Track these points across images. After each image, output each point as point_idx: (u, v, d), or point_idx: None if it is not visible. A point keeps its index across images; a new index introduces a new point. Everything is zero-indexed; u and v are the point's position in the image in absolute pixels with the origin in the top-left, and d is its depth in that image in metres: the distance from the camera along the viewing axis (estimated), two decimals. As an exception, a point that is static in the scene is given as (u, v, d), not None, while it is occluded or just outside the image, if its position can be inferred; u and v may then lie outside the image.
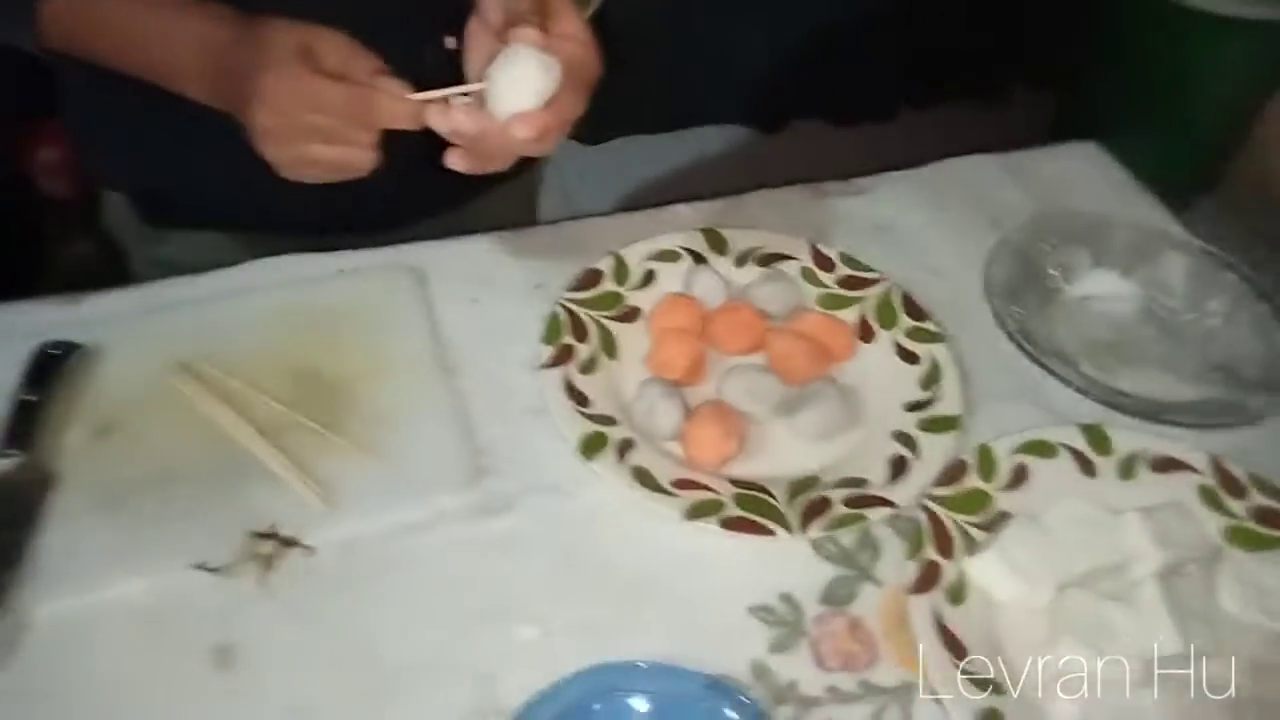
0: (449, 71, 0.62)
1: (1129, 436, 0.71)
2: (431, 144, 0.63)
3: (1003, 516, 0.66)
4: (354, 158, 0.61)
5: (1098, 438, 0.71)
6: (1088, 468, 0.70)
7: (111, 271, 0.94)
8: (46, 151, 2.08)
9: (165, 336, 0.74)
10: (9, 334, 0.73)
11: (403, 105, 0.59)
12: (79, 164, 2.04)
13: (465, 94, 0.61)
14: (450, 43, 0.70)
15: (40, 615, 0.59)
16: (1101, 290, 0.85)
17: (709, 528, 0.63)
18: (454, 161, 0.62)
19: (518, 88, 0.57)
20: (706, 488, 0.66)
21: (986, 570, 0.62)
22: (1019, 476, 0.68)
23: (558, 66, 0.58)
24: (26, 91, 2.00)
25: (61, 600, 0.59)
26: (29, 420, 0.66)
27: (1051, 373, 0.76)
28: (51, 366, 0.69)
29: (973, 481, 0.68)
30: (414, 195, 0.86)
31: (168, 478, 0.65)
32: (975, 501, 0.67)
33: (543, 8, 0.60)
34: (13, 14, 0.64)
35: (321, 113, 0.58)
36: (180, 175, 0.80)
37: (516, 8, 0.59)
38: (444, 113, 0.59)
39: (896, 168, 0.97)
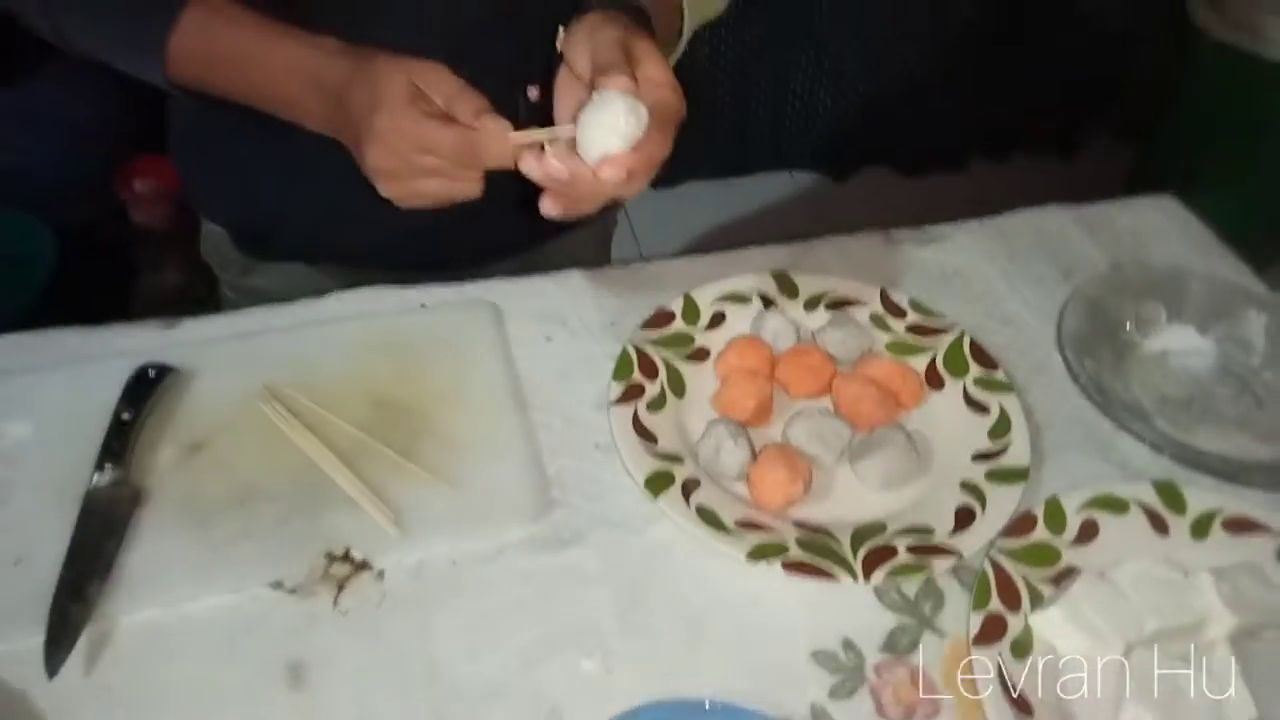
0: (536, 121, 0.64)
1: (1203, 495, 0.70)
2: (513, 187, 0.65)
3: (1070, 572, 0.65)
4: (461, 191, 0.64)
5: (1171, 495, 0.70)
6: (1160, 525, 0.68)
7: (200, 298, 0.99)
8: (141, 183, 2.19)
9: (254, 361, 0.77)
10: (110, 354, 0.77)
11: (505, 146, 0.61)
12: (172, 196, 2.14)
13: (557, 137, 0.63)
14: (534, 94, 0.73)
15: (125, 624, 0.62)
16: (1178, 345, 0.84)
17: (772, 569, 0.64)
18: (547, 208, 0.63)
19: (608, 132, 0.59)
20: (770, 529, 0.66)
21: (1052, 626, 0.61)
22: (1088, 531, 0.67)
23: (645, 111, 0.60)
24: (125, 127, 2.12)
25: (145, 611, 0.62)
26: (124, 438, 0.70)
27: (1124, 427, 0.75)
28: (147, 387, 0.73)
29: (1040, 535, 0.67)
30: (495, 236, 0.89)
31: (251, 497, 0.68)
32: (1043, 555, 0.66)
33: (629, 55, 0.62)
34: (146, 49, 0.68)
35: (431, 154, 0.61)
36: (277, 212, 0.84)
37: (604, 57, 0.62)
38: (537, 159, 0.61)
39: (965, 218, 0.97)
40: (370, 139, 0.61)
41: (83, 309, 1.99)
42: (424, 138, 0.60)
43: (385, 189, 0.64)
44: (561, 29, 0.67)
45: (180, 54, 0.68)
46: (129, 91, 0.71)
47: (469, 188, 0.63)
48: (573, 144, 0.61)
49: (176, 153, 0.90)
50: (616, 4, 0.67)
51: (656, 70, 0.62)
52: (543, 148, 0.62)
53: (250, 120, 0.70)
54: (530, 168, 0.61)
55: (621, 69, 0.60)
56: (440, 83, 0.62)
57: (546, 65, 0.68)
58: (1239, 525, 0.69)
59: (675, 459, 0.71)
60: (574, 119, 0.61)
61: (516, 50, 0.76)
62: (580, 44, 0.64)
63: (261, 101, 0.69)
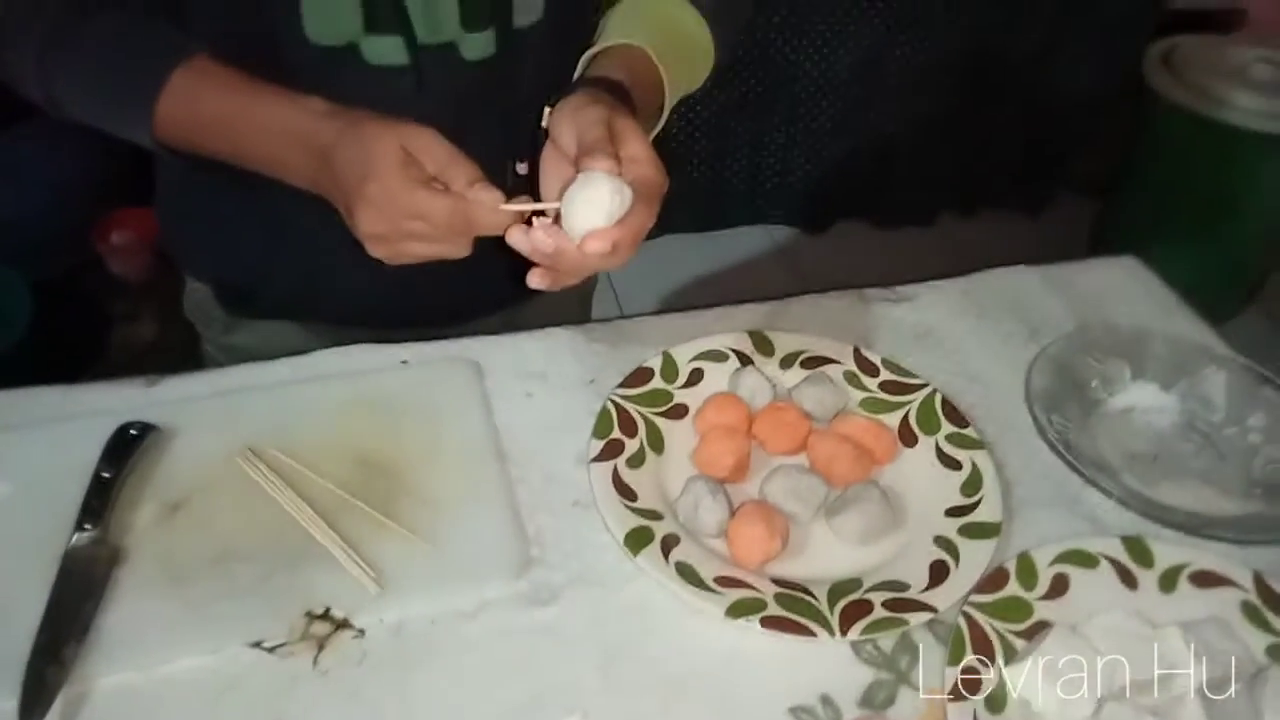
0: (522, 194, 0.66)
1: (1171, 550, 0.72)
2: (494, 247, 0.67)
3: (1043, 625, 0.66)
4: (451, 253, 0.65)
5: (1139, 550, 0.72)
6: (1129, 579, 0.70)
7: (176, 350, 0.99)
8: (119, 235, 2.19)
9: (235, 420, 0.77)
10: (90, 412, 0.77)
11: (498, 217, 0.63)
12: (149, 247, 2.15)
13: (544, 210, 0.65)
14: (521, 168, 0.74)
15: (102, 686, 0.61)
16: (1142, 403, 0.86)
17: (750, 626, 0.64)
18: (535, 281, 0.65)
19: (592, 209, 0.61)
20: (749, 586, 0.67)
21: (1026, 680, 0.62)
22: (1059, 586, 0.69)
23: (629, 190, 0.62)
24: (104, 180, 2.13)
25: (123, 673, 0.62)
26: (104, 497, 0.70)
27: (1092, 483, 0.77)
28: (128, 445, 0.73)
29: (1013, 589, 0.68)
30: (477, 294, 0.90)
31: (231, 557, 0.68)
32: (1015, 610, 0.67)
33: (613, 134, 0.64)
34: (134, 113, 0.69)
35: (423, 221, 0.62)
36: (261, 270, 0.85)
37: (589, 136, 0.64)
38: (525, 232, 0.63)
39: (936, 271, 1.00)
40: (361, 204, 0.62)
41: (59, 359, 1.99)
42: (415, 206, 0.62)
43: (374, 250, 0.65)
44: (548, 107, 0.69)
45: (167, 117, 0.69)
46: (109, 146, 0.73)
47: (458, 251, 0.65)
48: (558, 219, 0.63)
49: (161, 210, 0.92)
50: (599, 83, 0.70)
51: (639, 148, 0.64)
52: (529, 221, 0.63)
53: (234, 180, 0.71)
54: (518, 241, 0.63)
55: (605, 148, 0.62)
56: (431, 148, 0.63)
57: (533, 139, 0.70)
58: (1206, 579, 0.70)
59: (654, 516, 0.72)
60: (560, 195, 0.63)
61: (506, 122, 0.78)
62: (565, 122, 0.66)
63: (247, 161, 0.70)
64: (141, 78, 0.69)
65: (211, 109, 0.69)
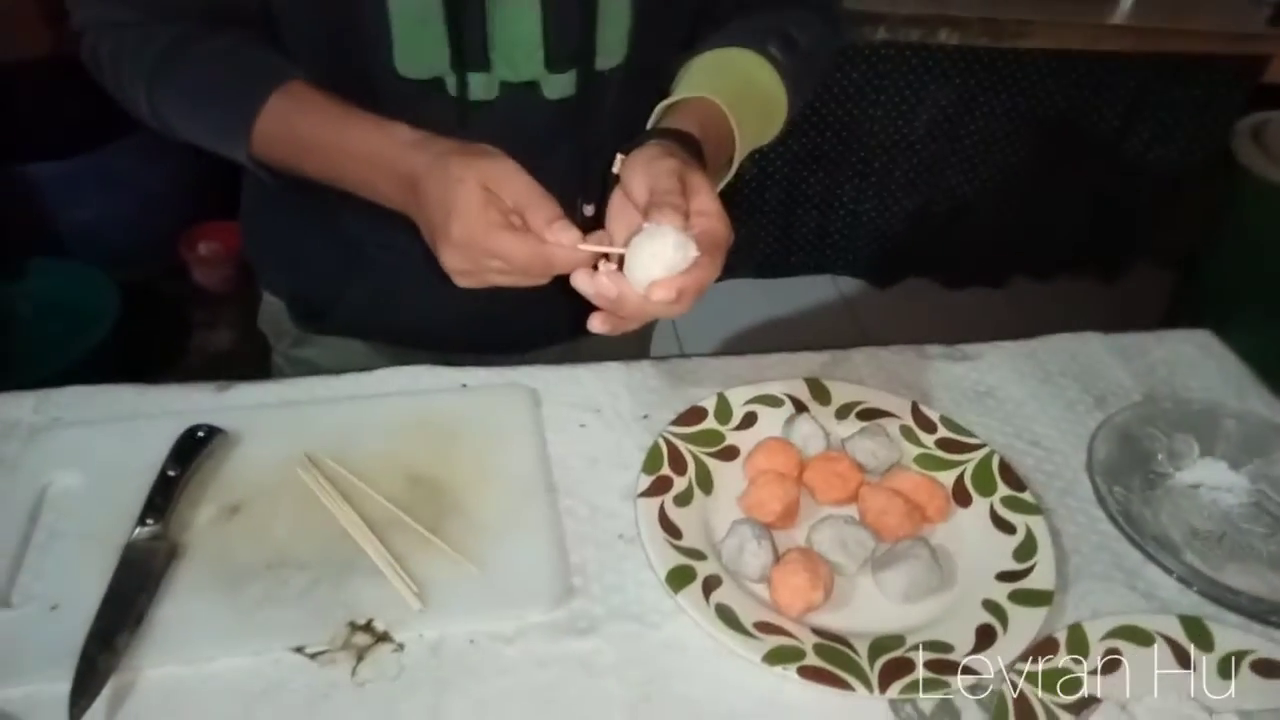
0: (587, 234, 0.67)
1: (1232, 634, 0.69)
2: (559, 280, 0.68)
3: (1091, 701, 0.64)
4: (530, 284, 0.67)
5: (1198, 631, 0.69)
6: (1185, 661, 0.67)
7: (248, 364, 1.03)
8: (205, 246, 2.28)
9: (297, 429, 0.80)
10: (163, 412, 0.80)
11: (576, 256, 0.64)
12: (231, 259, 2.23)
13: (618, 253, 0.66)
14: (589, 210, 0.76)
15: (149, 677, 0.63)
16: (1210, 480, 0.84)
17: (787, 674, 0.64)
18: (596, 325, 0.66)
19: (656, 262, 0.62)
20: (788, 634, 0.67)
21: (1071, 756, 0.61)
22: (1112, 661, 0.67)
23: (693, 246, 0.63)
24: (193, 193, 2.23)
25: (170, 665, 0.64)
26: (168, 494, 0.72)
27: (1152, 558, 0.75)
28: (195, 446, 0.76)
29: (1062, 661, 0.66)
30: (539, 325, 0.92)
31: (282, 562, 0.70)
32: (1063, 682, 0.65)
33: (684, 186, 0.65)
34: (233, 132, 0.73)
35: (503, 260, 0.64)
36: (333, 290, 0.88)
37: (661, 186, 0.65)
38: (590, 277, 0.64)
39: (1002, 333, 0.99)
40: (445, 243, 0.64)
41: (140, 360, 2.07)
42: (496, 249, 0.63)
43: (459, 281, 0.67)
44: (620, 155, 0.71)
45: (264, 136, 0.73)
46: (200, 161, 0.76)
47: (537, 282, 0.66)
48: (623, 263, 0.64)
49: (244, 224, 0.96)
50: (673, 135, 0.71)
51: (708, 202, 0.65)
52: (595, 265, 0.65)
53: (313, 200, 0.74)
54: (583, 284, 0.64)
55: (676, 202, 0.63)
56: (510, 182, 0.64)
57: (604, 181, 0.72)
58: (1269, 668, 0.68)
59: (698, 555, 0.72)
60: (625, 243, 0.64)
61: (581, 160, 0.80)
62: (638, 172, 0.67)
63: (340, 183, 0.73)
64: (241, 98, 0.73)
65: (305, 131, 0.72)
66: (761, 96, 0.81)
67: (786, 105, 0.83)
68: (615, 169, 0.70)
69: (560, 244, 0.63)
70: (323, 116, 0.72)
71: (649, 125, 0.77)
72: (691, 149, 0.71)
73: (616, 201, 0.68)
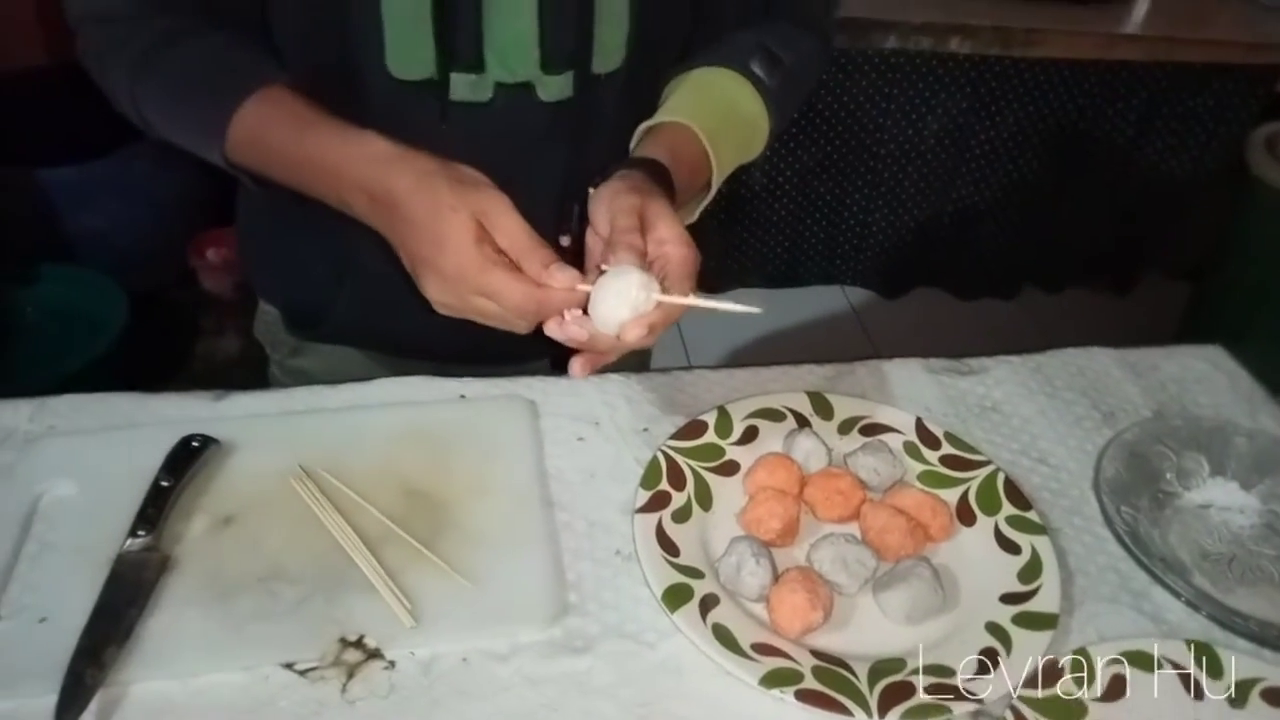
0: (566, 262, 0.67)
1: (1243, 661, 0.67)
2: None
3: (1096, 729, 0.62)
4: (513, 329, 0.66)
5: (1208, 658, 0.67)
6: (1193, 689, 0.66)
7: (253, 371, 1.02)
8: (214, 253, 2.28)
9: (293, 440, 0.79)
10: (158, 421, 0.80)
11: (571, 299, 0.64)
12: (240, 266, 2.23)
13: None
14: (564, 241, 0.76)
15: (136, 692, 0.62)
16: (1220, 501, 0.82)
17: (784, 698, 0.62)
18: (577, 370, 0.67)
19: (620, 302, 0.63)
20: (786, 656, 0.65)
21: (1074, 785, 0.59)
22: (1116, 688, 0.65)
23: (655, 283, 0.63)
24: (203, 199, 2.23)
25: (159, 680, 0.63)
26: (160, 504, 0.72)
27: (1160, 581, 0.73)
28: (189, 456, 0.75)
29: (1066, 686, 0.65)
30: (535, 337, 0.91)
31: (274, 576, 0.69)
32: (1067, 709, 0.64)
33: (644, 220, 0.66)
34: (209, 133, 0.72)
35: (493, 300, 0.63)
36: (327, 298, 0.87)
37: (618, 223, 0.65)
38: (559, 325, 0.65)
39: (1014, 345, 0.97)
40: (431, 273, 0.63)
41: (147, 366, 2.07)
42: (489, 287, 0.62)
43: (441, 310, 0.66)
44: (590, 189, 0.71)
45: (238, 142, 0.71)
46: (209, 167, 0.76)
47: (520, 329, 0.66)
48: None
49: (240, 231, 0.95)
50: (641, 165, 0.72)
51: (667, 230, 0.66)
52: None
53: (305, 208, 0.73)
54: (553, 331, 0.65)
55: (633, 241, 0.64)
56: (505, 223, 0.63)
57: (582, 212, 0.72)
58: None
59: (696, 574, 0.70)
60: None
61: (575, 164, 0.79)
62: (601, 208, 0.68)
63: (310, 194, 0.71)
64: (218, 100, 0.71)
65: (276, 139, 0.70)
66: (741, 119, 0.82)
67: (768, 126, 0.83)
68: (589, 205, 0.71)
69: (559, 287, 0.63)
70: (293, 124, 0.70)
71: (631, 148, 0.77)
72: (659, 176, 0.71)
73: (588, 236, 0.69)
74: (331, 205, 0.70)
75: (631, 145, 0.77)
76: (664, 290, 0.64)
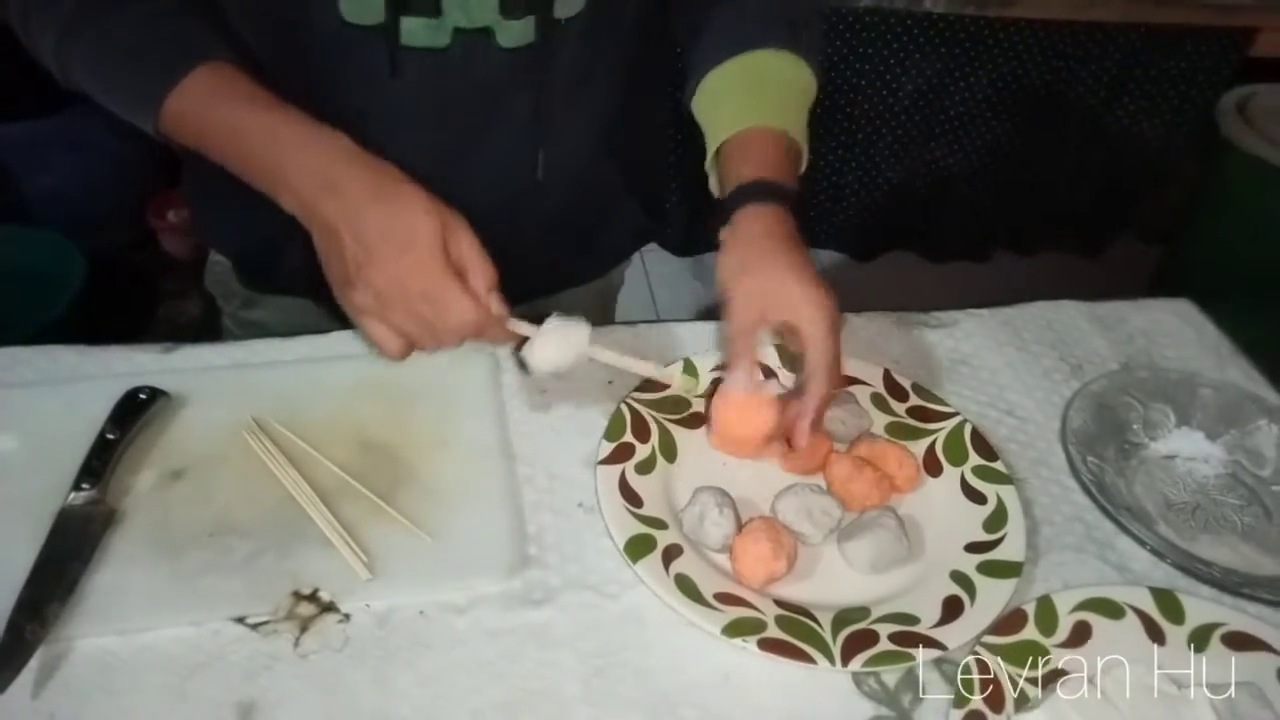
0: None
1: (1204, 607, 0.67)
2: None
3: (1058, 674, 0.62)
4: (434, 345, 0.66)
5: (1169, 604, 0.67)
6: (1156, 634, 0.66)
7: (212, 331, 0.99)
8: (175, 214, 2.23)
9: (245, 393, 0.77)
10: (105, 374, 0.77)
11: (505, 334, 0.67)
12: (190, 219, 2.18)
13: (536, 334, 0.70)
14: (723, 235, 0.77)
15: (81, 647, 0.60)
16: (1186, 451, 0.82)
17: (747, 647, 0.61)
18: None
19: (562, 350, 0.69)
20: (750, 605, 0.64)
21: (1037, 730, 0.59)
22: (1080, 634, 0.65)
23: (584, 328, 0.70)
24: (161, 159, 2.18)
25: (104, 636, 0.61)
26: (105, 457, 0.69)
27: (1125, 530, 0.73)
28: (136, 409, 0.73)
29: (1030, 633, 0.65)
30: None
31: (225, 530, 0.67)
32: (1031, 654, 0.63)
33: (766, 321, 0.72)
34: (143, 102, 0.68)
35: (437, 310, 0.63)
36: (277, 244, 0.84)
37: (738, 346, 0.72)
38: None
39: (985, 307, 0.96)
40: (382, 269, 0.63)
41: (107, 330, 2.03)
42: (441, 294, 0.63)
43: (351, 301, 0.65)
44: (720, 238, 0.75)
45: (177, 113, 0.68)
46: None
47: (443, 346, 0.67)
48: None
49: (185, 182, 0.92)
50: (767, 193, 0.75)
51: (805, 330, 0.71)
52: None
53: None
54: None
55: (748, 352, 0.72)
56: (464, 237, 0.65)
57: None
58: (1240, 640, 0.66)
59: (659, 524, 0.69)
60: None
61: (536, 110, 0.77)
62: (736, 313, 0.72)
63: (245, 172, 0.69)
64: (157, 70, 0.68)
65: (224, 116, 0.68)
66: (799, 91, 0.83)
67: (816, 83, 0.84)
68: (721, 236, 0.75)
69: (496, 314, 0.66)
70: (249, 105, 0.67)
71: (708, 166, 0.80)
72: (777, 195, 0.74)
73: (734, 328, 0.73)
74: (258, 186, 0.68)
75: (710, 158, 0.79)
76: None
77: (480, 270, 0.65)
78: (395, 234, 0.63)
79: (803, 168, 0.81)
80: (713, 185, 0.81)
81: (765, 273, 0.71)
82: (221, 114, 0.68)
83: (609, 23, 0.77)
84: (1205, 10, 2.20)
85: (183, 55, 0.68)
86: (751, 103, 0.79)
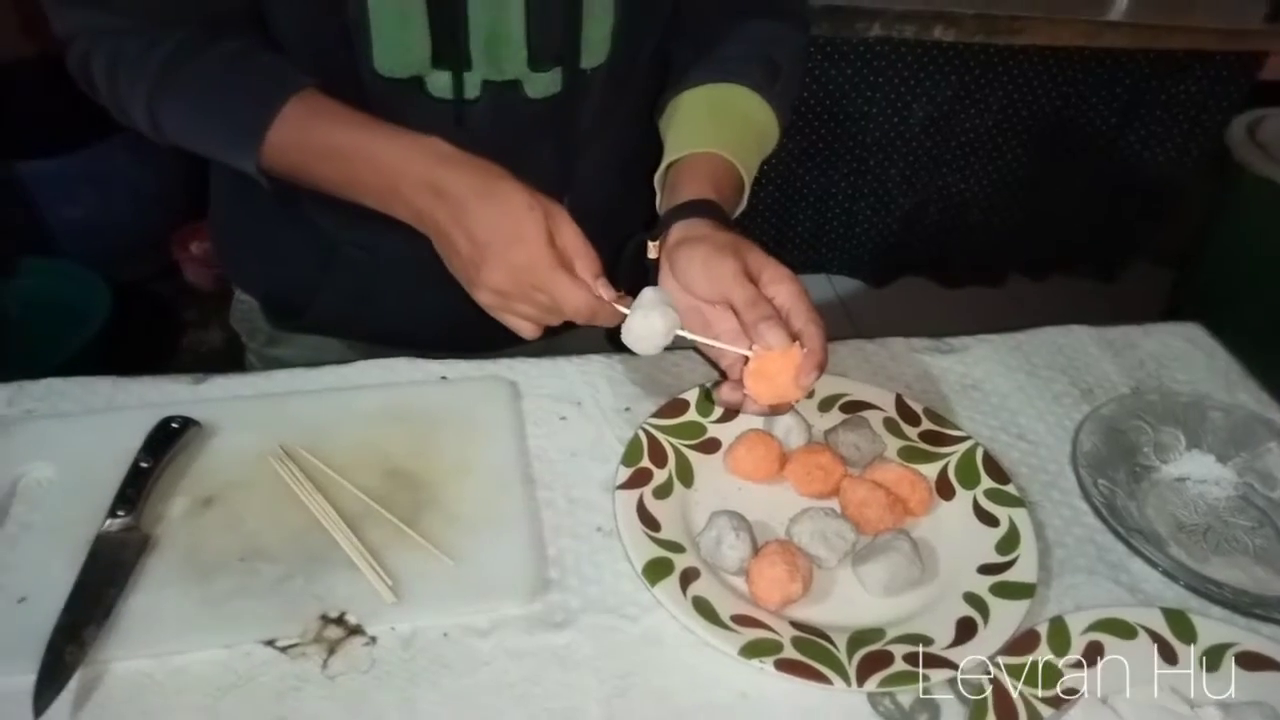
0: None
1: (1216, 627, 0.68)
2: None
3: (1071, 694, 0.63)
4: (549, 323, 0.70)
5: (1181, 624, 0.68)
6: (1168, 654, 0.66)
7: (238, 365, 1.02)
8: (197, 246, 2.28)
9: (273, 422, 0.79)
10: (138, 404, 0.80)
11: (617, 319, 0.70)
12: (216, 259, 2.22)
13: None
14: (652, 251, 0.79)
15: (116, 670, 0.62)
16: (1196, 474, 0.83)
17: (764, 668, 0.63)
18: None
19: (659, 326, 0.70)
20: (766, 627, 0.66)
21: (1050, 750, 0.60)
22: (1093, 654, 0.66)
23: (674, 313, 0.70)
24: (185, 192, 2.23)
25: (138, 659, 0.63)
26: (139, 485, 0.71)
27: (1137, 551, 0.74)
28: (168, 438, 0.75)
29: (1043, 654, 0.65)
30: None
31: (254, 555, 0.69)
32: (1044, 675, 0.64)
33: (747, 273, 0.71)
34: (244, 138, 0.71)
35: (551, 299, 0.67)
36: (308, 288, 0.87)
37: (736, 296, 0.70)
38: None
39: (999, 333, 0.97)
40: (498, 263, 0.66)
41: (131, 359, 2.07)
42: (553, 286, 0.66)
43: (484, 299, 0.69)
44: (650, 242, 0.75)
45: (278, 144, 0.71)
46: (191, 160, 0.75)
47: (553, 323, 0.70)
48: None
49: (213, 223, 0.94)
50: (701, 209, 0.75)
51: (771, 274, 0.71)
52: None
53: (285, 199, 0.72)
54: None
55: (766, 313, 0.69)
56: (568, 228, 0.68)
57: (637, 263, 0.76)
58: (1253, 661, 0.67)
59: (676, 548, 0.71)
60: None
61: (561, 155, 0.80)
62: (698, 275, 0.71)
63: (356, 192, 0.71)
64: (254, 105, 0.71)
65: (324, 139, 0.71)
66: (758, 131, 0.84)
67: (778, 132, 0.86)
68: (650, 254, 0.75)
69: (606, 299, 0.68)
70: (345, 124, 0.70)
71: (659, 176, 0.80)
72: (719, 218, 0.74)
73: (683, 297, 0.73)
74: (371, 203, 0.71)
75: (660, 173, 0.80)
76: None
77: (586, 258, 0.68)
78: (503, 231, 0.66)
79: (741, 207, 0.83)
80: (659, 202, 0.82)
81: (715, 236, 0.72)
82: (320, 138, 0.71)
83: (628, 72, 0.79)
84: (1216, 35, 2.22)
85: (276, 88, 0.71)
86: (713, 129, 0.81)
